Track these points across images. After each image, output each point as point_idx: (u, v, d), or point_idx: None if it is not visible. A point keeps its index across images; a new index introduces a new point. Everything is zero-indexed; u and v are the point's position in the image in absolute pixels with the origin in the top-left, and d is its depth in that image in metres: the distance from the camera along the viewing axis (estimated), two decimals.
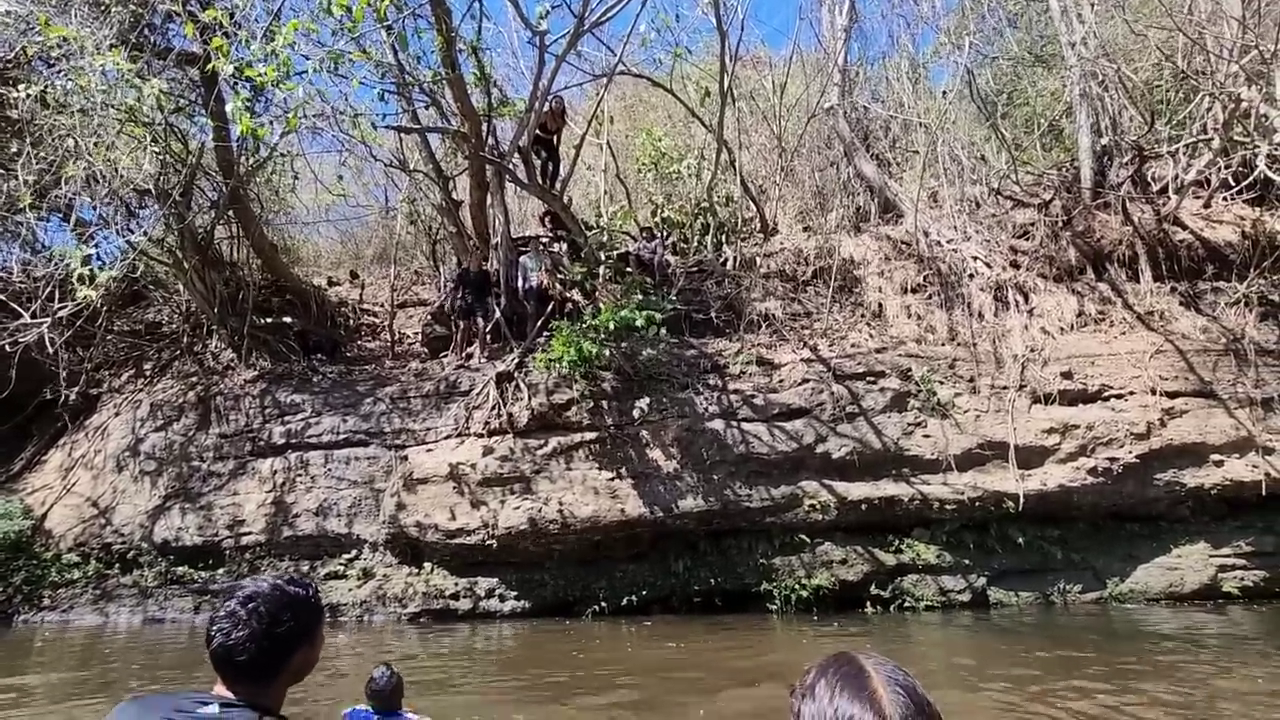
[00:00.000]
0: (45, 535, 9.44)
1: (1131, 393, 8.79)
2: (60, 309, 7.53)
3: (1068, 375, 8.93)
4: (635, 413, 8.84)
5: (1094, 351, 9.20)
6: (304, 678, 1.57)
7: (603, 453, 8.71)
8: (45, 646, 7.80)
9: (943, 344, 9.54)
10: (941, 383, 9.00)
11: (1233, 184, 9.83)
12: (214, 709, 1.41)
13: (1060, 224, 10.45)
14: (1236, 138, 9.42)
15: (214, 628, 1.45)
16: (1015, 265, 10.18)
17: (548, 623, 8.22)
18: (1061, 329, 9.50)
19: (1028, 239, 10.57)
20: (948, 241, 10.39)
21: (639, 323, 8.74)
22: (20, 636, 8.26)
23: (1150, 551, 8.61)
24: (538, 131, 10.22)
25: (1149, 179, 10.75)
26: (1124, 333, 9.49)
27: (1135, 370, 8.90)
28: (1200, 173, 10.00)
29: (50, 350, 8.04)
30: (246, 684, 1.46)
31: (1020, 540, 8.59)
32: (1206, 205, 10.46)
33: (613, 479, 8.53)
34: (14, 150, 8.19)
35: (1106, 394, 8.86)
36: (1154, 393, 8.69)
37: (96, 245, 10.15)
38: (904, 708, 0.91)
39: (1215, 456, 8.45)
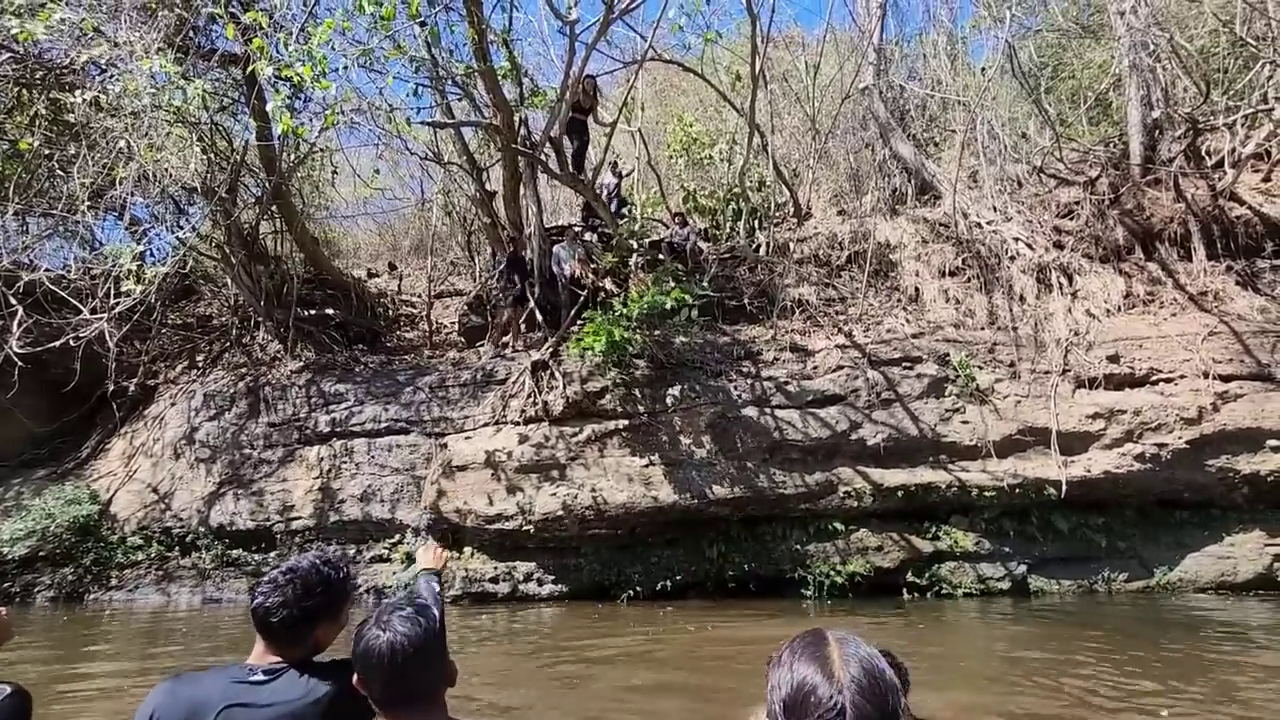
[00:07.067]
0: (111, 519, 9.97)
1: (1182, 376, 8.49)
2: (116, 304, 7.89)
3: (1114, 359, 8.67)
4: (668, 400, 8.89)
5: (1142, 334, 8.90)
6: (325, 648, 1.77)
7: (636, 440, 8.80)
8: (114, 624, 8.27)
9: (982, 328, 9.34)
10: (980, 368, 8.82)
11: None
12: (260, 677, 1.64)
13: (1107, 202, 10.09)
14: None
15: (258, 590, 1.69)
16: (1059, 246, 9.87)
17: (584, 606, 8.39)
18: (1108, 311, 9.20)
19: (1072, 218, 10.23)
20: (988, 223, 10.12)
21: (669, 305, 8.76)
22: (91, 614, 8.78)
23: (1201, 540, 8.36)
24: (572, 113, 10.22)
25: (1203, 153, 10.28)
26: (1175, 314, 9.15)
27: (1186, 353, 8.59)
28: (1259, 145, 9.54)
29: (109, 344, 8.43)
30: (281, 645, 1.68)
31: (1063, 527, 8.44)
32: (1266, 179, 9.97)
33: (646, 466, 8.62)
34: (72, 153, 8.57)
35: (1155, 378, 8.58)
36: (1206, 376, 8.38)
37: (149, 242, 10.62)
38: (856, 674, 0.99)
39: (1272, 442, 8.12)
